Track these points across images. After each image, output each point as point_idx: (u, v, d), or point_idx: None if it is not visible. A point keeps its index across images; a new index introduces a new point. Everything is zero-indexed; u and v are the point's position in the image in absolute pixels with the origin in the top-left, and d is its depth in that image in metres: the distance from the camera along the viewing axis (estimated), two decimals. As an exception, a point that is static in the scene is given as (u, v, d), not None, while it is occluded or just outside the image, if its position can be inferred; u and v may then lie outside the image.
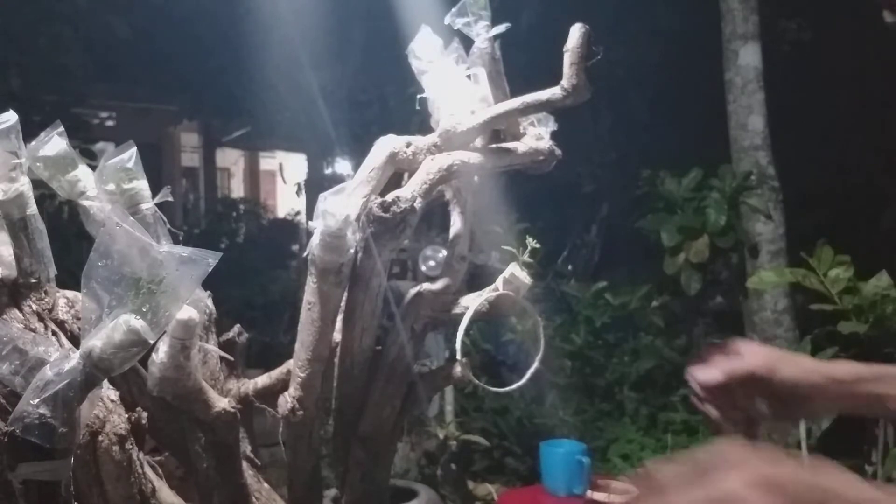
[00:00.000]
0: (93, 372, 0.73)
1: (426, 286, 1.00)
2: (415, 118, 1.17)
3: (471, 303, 0.96)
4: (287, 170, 10.49)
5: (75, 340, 0.85)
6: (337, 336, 1.01)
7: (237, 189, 14.60)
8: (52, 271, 0.94)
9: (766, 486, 0.53)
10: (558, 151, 1.06)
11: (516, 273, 0.90)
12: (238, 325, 1.17)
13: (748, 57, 3.50)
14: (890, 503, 0.66)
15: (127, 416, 0.97)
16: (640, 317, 4.02)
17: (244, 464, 1.05)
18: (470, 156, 0.98)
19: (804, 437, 2.30)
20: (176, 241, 0.97)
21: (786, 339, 3.42)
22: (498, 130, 1.05)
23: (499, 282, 0.90)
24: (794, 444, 2.26)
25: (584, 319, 3.83)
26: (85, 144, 4.48)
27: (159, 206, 0.98)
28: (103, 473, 0.93)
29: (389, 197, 0.90)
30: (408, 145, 0.99)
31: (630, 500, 0.63)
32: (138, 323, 0.72)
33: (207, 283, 0.82)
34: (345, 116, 5.90)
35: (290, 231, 9.45)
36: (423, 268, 0.98)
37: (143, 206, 0.96)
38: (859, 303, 2.30)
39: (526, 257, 0.95)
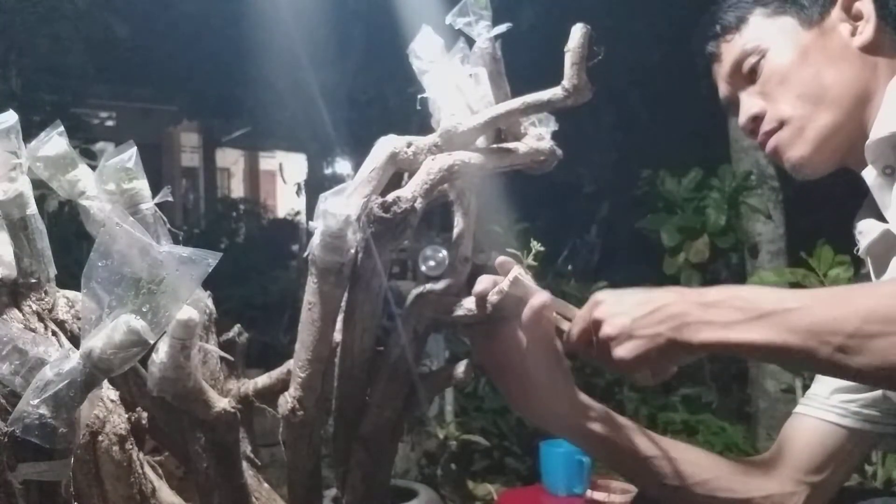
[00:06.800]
0: (93, 372, 0.73)
1: (429, 287, 1.00)
2: (415, 118, 1.17)
3: (474, 305, 0.96)
4: (287, 170, 10.50)
5: (75, 340, 0.85)
6: (337, 336, 1.00)
7: (237, 189, 14.63)
8: (52, 271, 0.94)
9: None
10: (559, 152, 1.05)
11: (520, 276, 0.90)
12: (238, 325, 1.17)
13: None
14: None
15: (127, 416, 0.97)
16: (640, 317, 4.01)
17: (244, 464, 1.05)
18: (471, 156, 0.98)
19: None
20: (176, 241, 0.97)
21: (786, 339, 3.41)
22: (499, 130, 1.05)
23: (504, 283, 0.90)
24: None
25: (584, 320, 3.82)
26: (85, 144, 4.49)
27: (159, 206, 0.98)
28: (103, 473, 0.93)
29: (390, 197, 0.90)
30: (408, 145, 0.99)
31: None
32: (138, 323, 0.72)
33: (207, 283, 0.82)
34: (345, 116, 5.90)
35: (290, 231, 9.46)
36: (423, 268, 0.97)
37: (143, 206, 0.96)
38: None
39: (530, 260, 0.95)
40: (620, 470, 1.03)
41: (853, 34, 0.99)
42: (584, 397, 0.99)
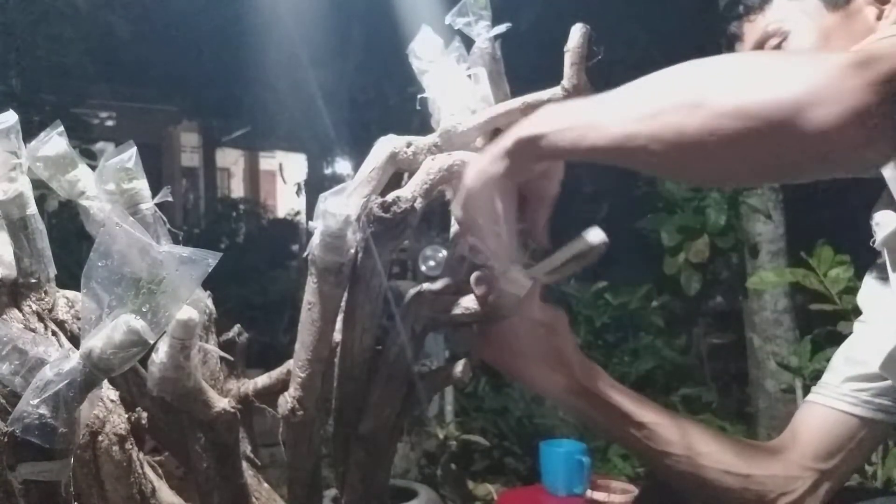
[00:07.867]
0: (93, 372, 0.73)
1: (426, 286, 1.00)
2: (415, 118, 1.17)
3: (471, 304, 0.96)
4: (287, 170, 10.49)
5: (75, 340, 0.85)
6: (337, 336, 1.00)
7: (237, 189, 14.64)
8: (52, 271, 0.94)
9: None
10: (558, 152, 1.05)
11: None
12: (238, 325, 1.17)
13: (748, 57, 3.50)
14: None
15: (127, 416, 0.97)
16: (640, 317, 4.02)
17: (244, 464, 1.05)
18: (471, 156, 0.98)
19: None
20: (176, 241, 0.97)
21: (786, 339, 3.42)
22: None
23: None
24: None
25: (583, 319, 3.83)
26: (85, 144, 4.48)
27: (159, 206, 0.98)
28: (103, 473, 0.93)
29: (390, 197, 0.90)
30: (408, 145, 0.99)
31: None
32: (138, 323, 0.72)
33: (207, 283, 0.82)
34: (345, 116, 5.90)
35: (290, 231, 9.46)
36: (423, 268, 0.97)
37: (143, 206, 0.96)
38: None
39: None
40: (626, 440, 1.02)
41: (879, 18, 0.97)
42: (591, 363, 1.00)
